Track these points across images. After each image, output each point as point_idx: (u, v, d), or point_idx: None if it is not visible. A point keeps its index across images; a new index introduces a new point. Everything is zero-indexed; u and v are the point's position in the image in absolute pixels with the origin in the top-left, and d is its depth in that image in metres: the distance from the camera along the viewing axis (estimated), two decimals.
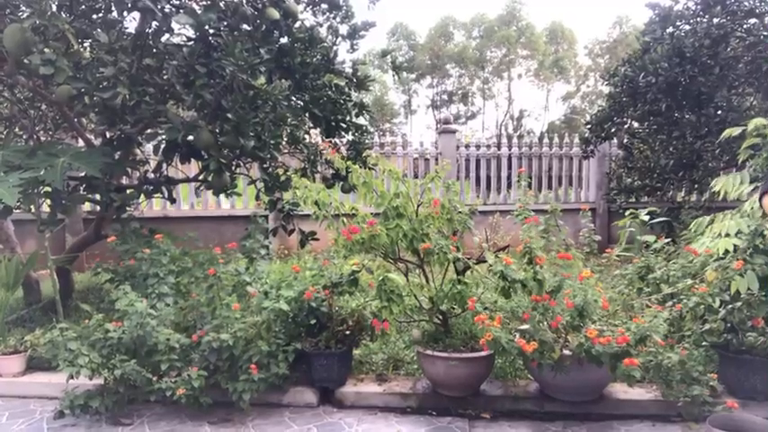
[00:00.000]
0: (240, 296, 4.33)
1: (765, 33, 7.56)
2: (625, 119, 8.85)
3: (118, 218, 4.99)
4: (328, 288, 4.18)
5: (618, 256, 5.12)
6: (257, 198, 5.38)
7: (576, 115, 32.83)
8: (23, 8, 4.07)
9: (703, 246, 4.01)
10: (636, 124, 9.12)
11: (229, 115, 4.29)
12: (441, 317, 4.19)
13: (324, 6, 5.49)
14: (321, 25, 5.48)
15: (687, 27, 8.03)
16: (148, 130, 4.87)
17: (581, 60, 37.09)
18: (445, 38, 35.48)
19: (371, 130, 6.30)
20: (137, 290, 4.20)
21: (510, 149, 10.17)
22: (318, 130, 5.60)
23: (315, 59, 5.05)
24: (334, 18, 5.53)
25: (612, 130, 8.85)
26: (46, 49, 3.78)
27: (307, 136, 5.77)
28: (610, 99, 8.69)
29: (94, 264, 4.85)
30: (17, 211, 4.61)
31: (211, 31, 4.27)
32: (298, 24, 4.99)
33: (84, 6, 4.45)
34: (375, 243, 3.96)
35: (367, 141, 5.81)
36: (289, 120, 5.10)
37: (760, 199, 2.89)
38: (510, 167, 10.16)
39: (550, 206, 4.24)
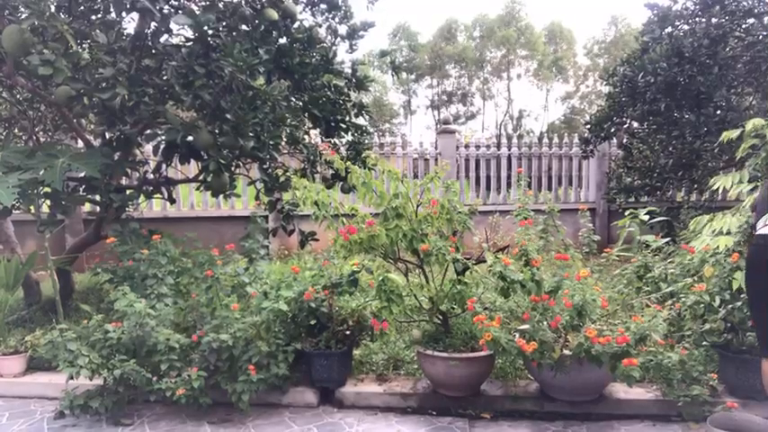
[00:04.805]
0: (240, 296, 4.34)
1: (764, 33, 7.56)
2: (624, 119, 8.82)
3: (117, 218, 4.99)
4: (328, 288, 4.19)
5: (617, 255, 5.11)
6: (257, 198, 5.38)
7: (576, 115, 32.83)
8: (22, 9, 4.07)
9: (702, 243, 3.99)
10: (635, 124, 9.11)
11: (228, 116, 4.29)
12: (441, 317, 4.19)
13: (323, 7, 5.50)
14: (320, 25, 5.49)
15: (686, 27, 8.03)
16: (148, 131, 4.88)
17: (580, 60, 37.17)
18: (449, 40, 35.44)
19: (371, 130, 6.29)
20: (136, 290, 4.20)
21: (509, 149, 10.17)
22: (318, 130, 5.60)
23: (314, 60, 5.05)
24: (333, 18, 5.54)
25: (612, 129, 8.84)
26: (45, 50, 3.78)
27: (306, 136, 5.77)
28: (609, 99, 8.68)
29: (94, 264, 4.85)
30: (17, 211, 4.62)
31: (210, 31, 4.27)
32: (296, 25, 4.99)
33: (82, 7, 4.45)
34: (374, 243, 3.96)
35: (366, 142, 5.82)
36: (288, 120, 5.09)
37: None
38: (510, 167, 10.16)
39: (548, 206, 4.25)
